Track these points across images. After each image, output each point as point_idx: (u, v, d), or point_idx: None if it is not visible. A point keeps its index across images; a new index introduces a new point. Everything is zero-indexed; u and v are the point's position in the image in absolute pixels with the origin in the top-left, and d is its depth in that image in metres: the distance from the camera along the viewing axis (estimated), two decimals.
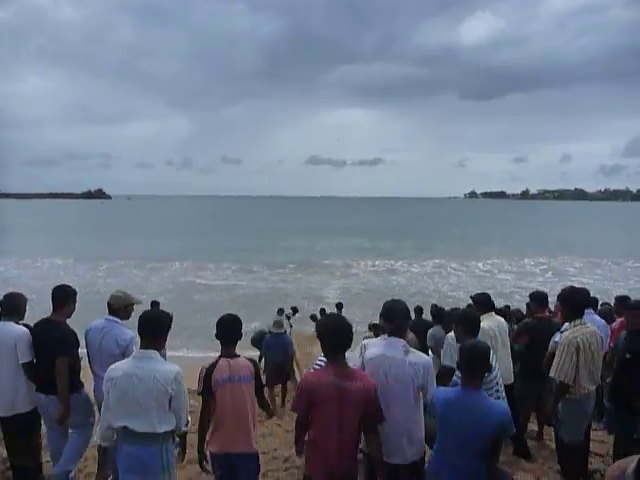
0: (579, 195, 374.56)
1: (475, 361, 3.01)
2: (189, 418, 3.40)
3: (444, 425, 3.01)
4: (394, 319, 3.35)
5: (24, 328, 4.43)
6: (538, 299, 5.52)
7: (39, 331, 4.42)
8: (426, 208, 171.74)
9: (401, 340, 3.24)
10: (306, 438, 3.21)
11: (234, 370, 3.45)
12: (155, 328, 3.32)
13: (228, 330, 3.55)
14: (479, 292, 5.32)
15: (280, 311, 11.35)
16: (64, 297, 4.49)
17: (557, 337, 4.62)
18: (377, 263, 35.13)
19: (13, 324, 4.42)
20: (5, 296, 4.55)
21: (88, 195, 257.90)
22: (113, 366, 3.28)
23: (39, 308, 5.86)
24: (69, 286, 4.57)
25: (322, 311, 11.34)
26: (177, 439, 3.44)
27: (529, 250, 40.43)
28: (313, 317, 10.89)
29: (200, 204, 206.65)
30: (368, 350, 3.36)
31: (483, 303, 4.96)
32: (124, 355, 4.09)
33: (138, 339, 3.46)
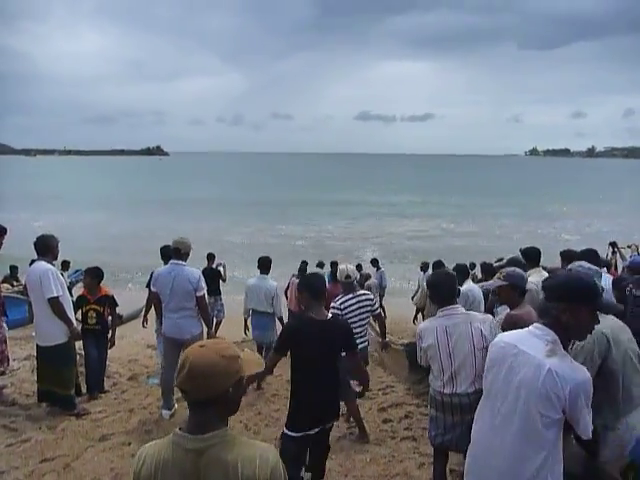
0: None
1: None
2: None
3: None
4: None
5: (48, 265, 4.84)
6: (568, 258, 5.32)
7: None
8: (485, 167, 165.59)
9: (551, 332, 2.13)
10: None
11: None
12: (265, 264, 6.91)
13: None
14: (529, 246, 5.36)
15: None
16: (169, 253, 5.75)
17: None
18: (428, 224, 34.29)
19: (42, 262, 4.87)
20: (38, 238, 4.99)
21: (147, 152, 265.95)
22: (248, 280, 7.20)
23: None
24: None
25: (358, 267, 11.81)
26: None
27: (599, 211, 38.35)
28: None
29: (254, 161, 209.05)
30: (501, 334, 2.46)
31: (531, 257, 5.03)
32: (196, 290, 4.99)
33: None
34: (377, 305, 5.19)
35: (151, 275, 6.53)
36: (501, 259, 8.13)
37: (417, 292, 11.92)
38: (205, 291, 5.20)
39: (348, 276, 4.85)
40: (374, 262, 12.92)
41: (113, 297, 5.92)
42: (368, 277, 11.18)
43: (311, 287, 3.36)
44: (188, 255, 5.24)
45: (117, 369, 7.11)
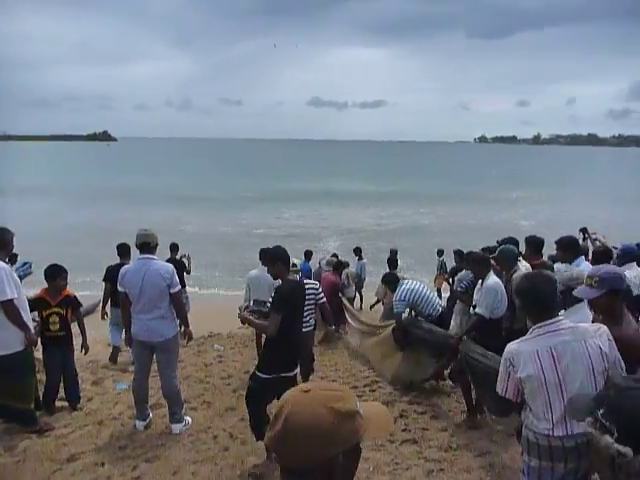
0: (593, 140, 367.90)
1: None
2: None
3: None
4: None
5: (1, 263, 4.27)
6: (534, 245, 5.35)
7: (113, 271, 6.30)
8: (438, 153, 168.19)
9: None
10: None
11: None
12: (264, 257, 5.82)
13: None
14: (507, 237, 5.71)
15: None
16: (128, 250, 6.71)
17: None
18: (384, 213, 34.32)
19: None
20: None
21: (94, 137, 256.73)
22: (250, 272, 6.72)
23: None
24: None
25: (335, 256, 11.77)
26: None
27: (550, 197, 39.39)
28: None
29: (205, 147, 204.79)
30: None
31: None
32: (170, 286, 4.48)
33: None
34: (322, 295, 5.45)
35: (107, 269, 7.04)
36: (487, 248, 7.98)
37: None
38: (180, 287, 4.71)
39: (294, 265, 5.41)
40: (357, 251, 12.58)
41: (76, 297, 5.26)
42: (346, 265, 10.91)
43: (283, 257, 4.06)
44: (157, 247, 4.75)
45: (78, 373, 6.49)
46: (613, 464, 0.97)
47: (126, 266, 4.71)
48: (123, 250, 6.93)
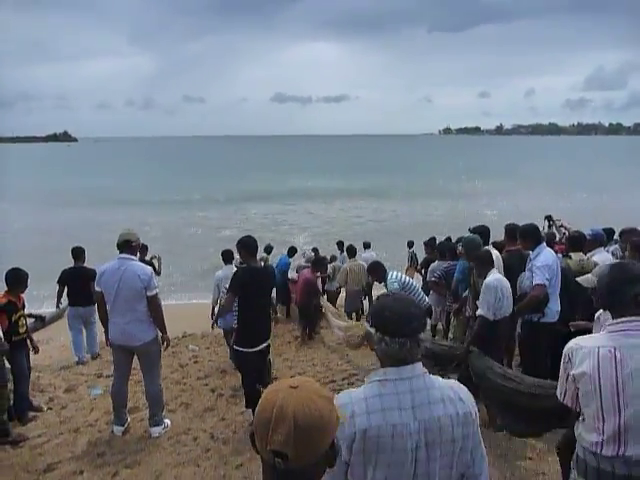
0: (553, 130, 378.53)
1: None
2: None
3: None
4: None
5: None
6: (511, 232, 5.54)
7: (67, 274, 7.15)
8: (404, 146, 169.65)
9: None
10: None
11: None
12: (228, 255, 6.97)
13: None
14: (478, 225, 5.85)
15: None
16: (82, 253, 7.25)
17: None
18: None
19: None
20: None
21: (53, 138, 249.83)
22: (217, 272, 7.01)
23: None
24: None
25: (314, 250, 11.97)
26: None
27: (512, 187, 40.22)
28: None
29: (167, 146, 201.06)
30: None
31: (483, 235, 5.41)
32: (147, 288, 4.34)
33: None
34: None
35: (62, 272, 7.21)
36: (449, 238, 8.19)
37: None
38: (157, 290, 4.55)
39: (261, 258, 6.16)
40: (340, 244, 12.52)
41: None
42: (333, 259, 11.00)
43: (248, 246, 4.48)
44: (139, 248, 4.73)
45: (50, 380, 6.32)
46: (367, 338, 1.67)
47: (104, 265, 4.53)
48: (77, 253, 7.21)
